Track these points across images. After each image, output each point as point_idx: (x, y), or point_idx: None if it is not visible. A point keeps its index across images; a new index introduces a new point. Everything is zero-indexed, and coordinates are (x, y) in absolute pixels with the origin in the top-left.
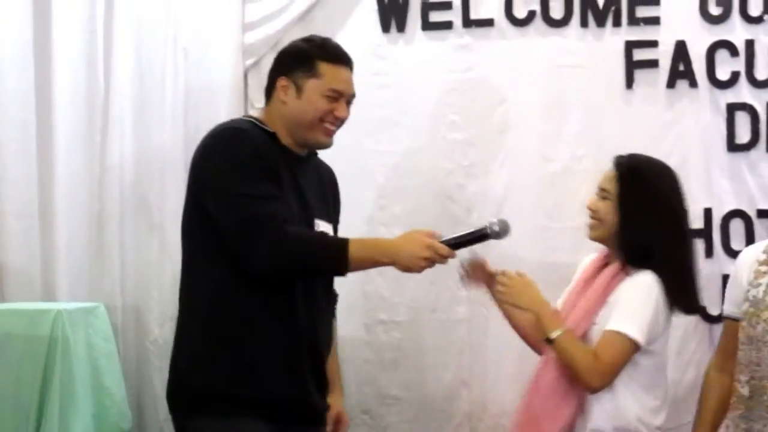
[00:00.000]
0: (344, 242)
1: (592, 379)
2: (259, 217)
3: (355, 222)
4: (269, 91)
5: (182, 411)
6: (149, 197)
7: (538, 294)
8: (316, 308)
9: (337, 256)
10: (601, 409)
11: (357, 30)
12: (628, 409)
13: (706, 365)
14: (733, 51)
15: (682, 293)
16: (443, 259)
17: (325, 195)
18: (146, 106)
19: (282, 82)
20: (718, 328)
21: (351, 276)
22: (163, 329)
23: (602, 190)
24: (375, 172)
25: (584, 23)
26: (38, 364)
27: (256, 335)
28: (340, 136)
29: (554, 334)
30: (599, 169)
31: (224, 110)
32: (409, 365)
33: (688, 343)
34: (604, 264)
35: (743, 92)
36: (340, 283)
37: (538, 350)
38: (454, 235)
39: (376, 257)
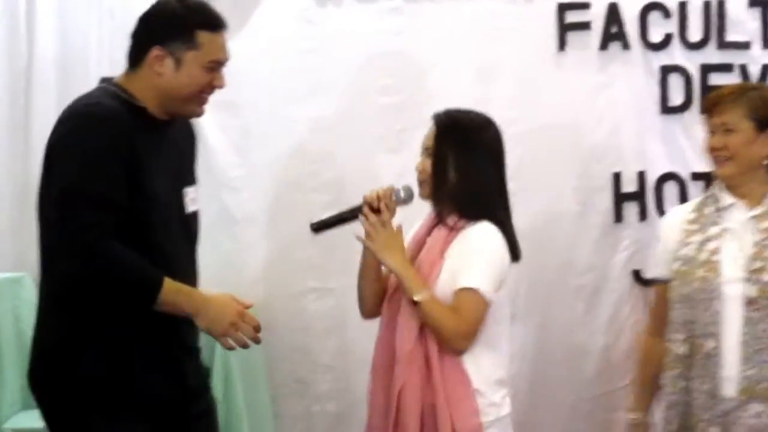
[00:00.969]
0: (158, 282)
1: (458, 342)
2: (84, 221)
3: (285, 189)
4: (138, 57)
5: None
6: None
7: (402, 252)
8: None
9: (147, 293)
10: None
11: None
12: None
13: (640, 329)
14: (666, 13)
15: (513, 240)
16: (250, 329)
17: (189, 157)
18: (71, 71)
19: (156, 51)
20: (652, 292)
21: (280, 243)
22: None
23: (426, 148)
24: (305, 139)
25: None
26: None
27: (126, 333)
28: (270, 102)
29: (419, 297)
30: (532, 132)
31: None
32: (341, 333)
33: (622, 308)
34: (435, 224)
35: (676, 54)
36: (269, 250)
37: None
38: (327, 216)
39: (184, 307)
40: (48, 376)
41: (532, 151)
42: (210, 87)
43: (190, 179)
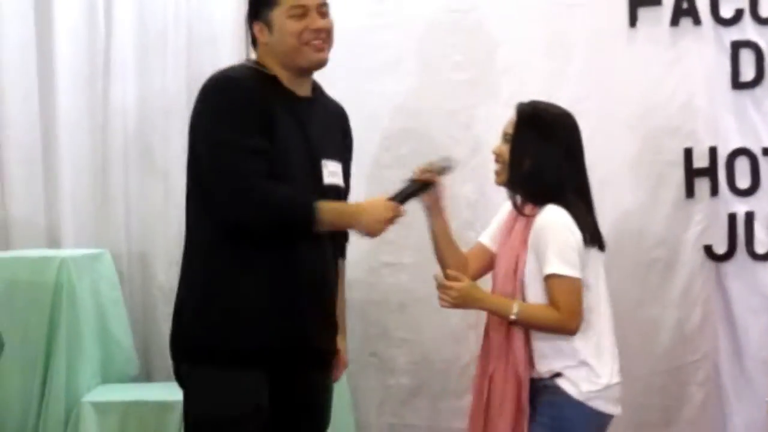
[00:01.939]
0: (313, 206)
1: (567, 329)
2: (234, 169)
3: (361, 164)
4: (253, 39)
5: (182, 359)
6: (153, 143)
7: (478, 291)
8: (321, 252)
9: (305, 218)
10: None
11: None
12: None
13: (712, 304)
14: None
15: (587, 222)
16: (400, 216)
17: (333, 134)
18: (148, 51)
19: (257, 27)
20: (724, 267)
21: None
22: (169, 275)
23: (505, 134)
24: (379, 114)
25: None
26: (44, 311)
27: (251, 284)
28: (343, 78)
29: (513, 315)
30: (603, 107)
31: (226, 54)
32: (416, 308)
33: (694, 282)
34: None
35: (748, 29)
36: None
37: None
38: (400, 190)
39: (341, 222)
40: (180, 341)
41: (603, 127)
42: (309, 32)
43: (330, 153)
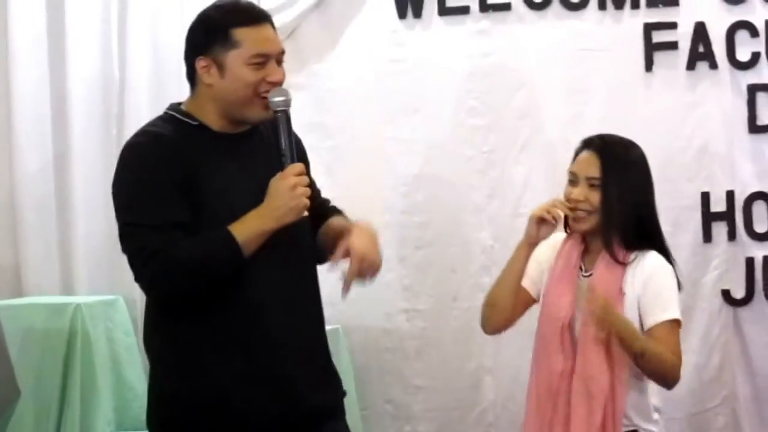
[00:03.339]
0: (227, 233)
1: (677, 374)
2: (144, 250)
3: (376, 210)
4: (191, 75)
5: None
6: None
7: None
8: (281, 294)
9: (227, 250)
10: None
11: (373, 16)
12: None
13: (730, 349)
14: (753, 31)
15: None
16: (301, 175)
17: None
18: (162, 96)
19: (201, 62)
20: (742, 312)
21: None
22: None
23: (587, 178)
24: (395, 160)
25: (602, 6)
26: (58, 358)
27: (218, 358)
28: (359, 124)
29: (643, 347)
30: None
31: None
32: (432, 354)
33: (712, 327)
34: (583, 249)
35: (764, 73)
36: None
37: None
38: (284, 153)
39: (260, 227)
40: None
41: None
42: (266, 84)
43: None
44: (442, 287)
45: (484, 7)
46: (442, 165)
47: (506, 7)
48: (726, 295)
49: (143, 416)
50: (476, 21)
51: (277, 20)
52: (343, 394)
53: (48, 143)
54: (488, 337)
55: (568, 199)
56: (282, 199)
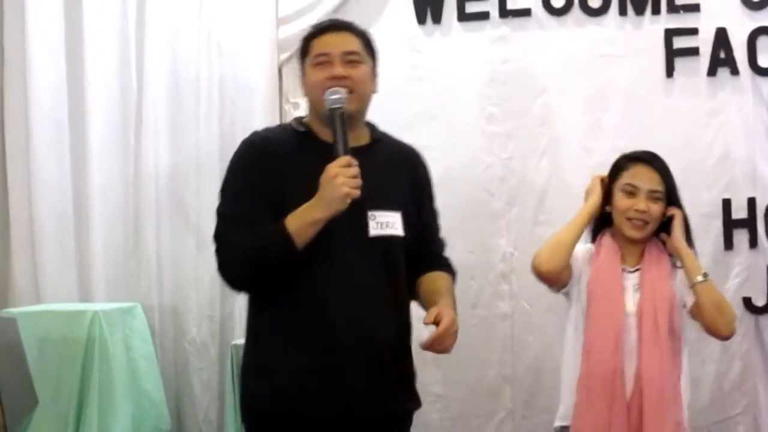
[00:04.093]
0: (281, 224)
1: (732, 325)
2: (218, 238)
3: None
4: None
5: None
6: (185, 197)
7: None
8: (361, 295)
9: (279, 238)
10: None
11: (392, 22)
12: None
13: (752, 357)
14: None
15: None
16: (349, 167)
17: (393, 181)
18: (180, 105)
19: (301, 79)
20: (764, 320)
21: None
22: (201, 329)
23: (651, 191)
24: None
25: (623, 11)
26: (76, 365)
27: (288, 354)
28: None
29: (701, 275)
30: None
31: (259, 106)
32: (451, 362)
33: (733, 336)
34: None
35: None
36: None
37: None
38: (336, 146)
39: (310, 216)
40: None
41: None
42: (330, 81)
43: (383, 202)
44: (461, 295)
45: (504, 13)
46: (461, 172)
47: (526, 12)
48: (747, 302)
49: (160, 424)
50: (496, 27)
51: (295, 26)
52: (415, 407)
53: (66, 152)
54: (507, 346)
55: (633, 210)
56: (326, 189)
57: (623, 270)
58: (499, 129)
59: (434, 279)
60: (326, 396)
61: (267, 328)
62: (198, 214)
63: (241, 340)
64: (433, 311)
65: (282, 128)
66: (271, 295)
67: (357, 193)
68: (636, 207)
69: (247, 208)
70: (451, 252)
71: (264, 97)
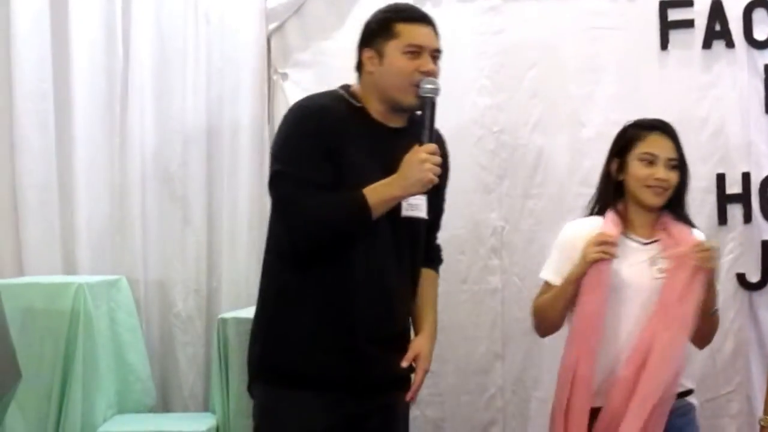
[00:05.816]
0: (361, 194)
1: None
2: (285, 199)
3: None
4: (358, 64)
5: (251, 377)
6: (171, 168)
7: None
8: (388, 271)
9: (358, 207)
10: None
11: None
12: None
13: (745, 334)
14: None
15: None
16: (435, 155)
17: None
18: (167, 74)
19: (367, 53)
20: (758, 296)
21: None
22: (187, 303)
23: (669, 159)
24: None
25: None
26: (60, 339)
27: (305, 313)
28: None
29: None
30: None
31: (247, 76)
32: (441, 338)
33: (726, 312)
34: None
35: None
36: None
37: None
38: (424, 132)
39: (390, 193)
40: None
41: None
42: (418, 73)
43: None
44: (451, 270)
45: None
46: (452, 144)
47: None
48: (741, 279)
49: (145, 399)
50: None
51: None
52: (412, 368)
53: (50, 122)
54: (497, 322)
55: (653, 178)
56: (411, 171)
57: (634, 240)
58: (491, 101)
59: (424, 288)
60: (337, 358)
61: (294, 293)
62: (184, 186)
63: (228, 314)
64: (411, 354)
65: (334, 98)
66: (307, 263)
67: (437, 180)
68: (656, 176)
69: (311, 173)
70: (441, 225)
71: (252, 68)
